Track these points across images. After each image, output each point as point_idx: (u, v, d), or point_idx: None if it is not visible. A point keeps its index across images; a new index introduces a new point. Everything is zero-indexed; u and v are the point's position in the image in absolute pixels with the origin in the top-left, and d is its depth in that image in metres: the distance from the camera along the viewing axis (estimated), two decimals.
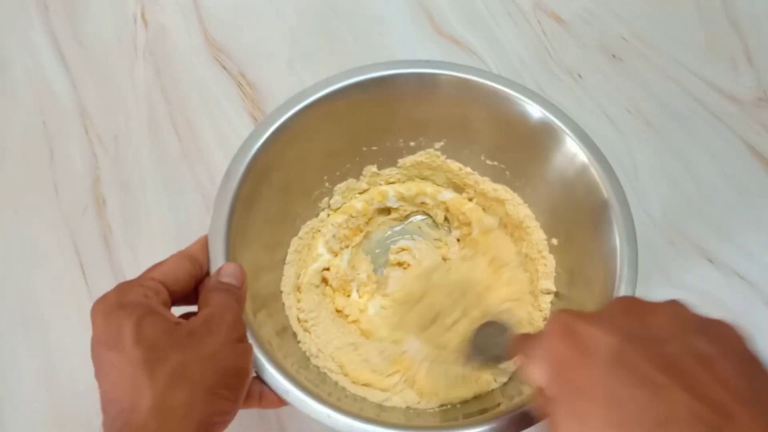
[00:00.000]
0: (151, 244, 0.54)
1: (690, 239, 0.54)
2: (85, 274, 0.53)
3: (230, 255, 0.39)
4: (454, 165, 0.50)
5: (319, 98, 0.44)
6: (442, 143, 0.50)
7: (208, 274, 0.38)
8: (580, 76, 0.62)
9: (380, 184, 0.52)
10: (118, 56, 0.64)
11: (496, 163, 0.49)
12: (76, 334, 0.51)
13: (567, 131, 0.43)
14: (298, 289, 0.48)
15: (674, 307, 0.27)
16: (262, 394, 0.37)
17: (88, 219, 0.55)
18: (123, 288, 0.34)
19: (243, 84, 0.62)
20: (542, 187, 0.47)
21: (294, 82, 0.62)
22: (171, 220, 0.55)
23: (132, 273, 0.52)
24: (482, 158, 0.49)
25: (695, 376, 0.23)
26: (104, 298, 0.34)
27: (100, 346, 0.33)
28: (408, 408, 0.42)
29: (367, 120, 0.47)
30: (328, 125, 0.45)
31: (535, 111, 0.44)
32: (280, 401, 0.36)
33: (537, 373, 0.28)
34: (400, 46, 0.64)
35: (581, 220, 0.43)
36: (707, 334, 0.25)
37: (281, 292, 0.46)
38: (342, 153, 0.49)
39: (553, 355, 0.27)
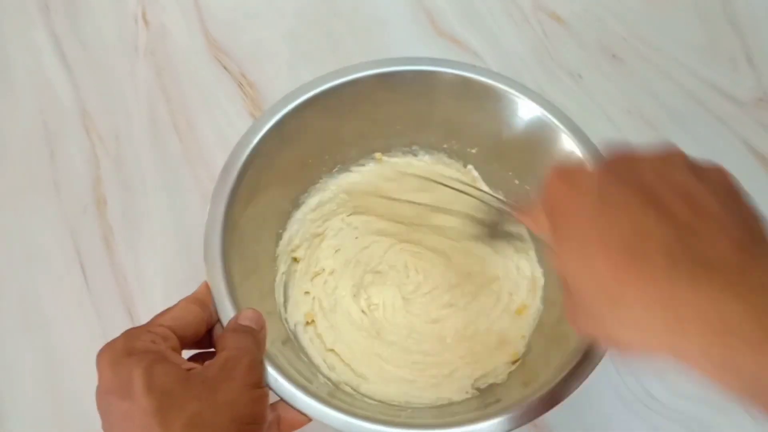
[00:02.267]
0: (152, 244, 0.54)
1: None
2: (86, 274, 0.53)
3: (226, 252, 0.39)
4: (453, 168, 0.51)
5: (315, 95, 0.44)
6: (446, 146, 0.50)
7: (219, 320, 0.38)
8: (580, 76, 0.62)
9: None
10: (119, 56, 0.64)
11: (496, 165, 0.49)
12: (76, 334, 0.51)
13: (563, 128, 0.43)
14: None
15: (667, 153, 0.29)
16: (279, 420, 0.36)
17: (88, 219, 0.55)
18: (131, 334, 0.33)
19: (244, 84, 0.62)
20: (539, 186, 0.46)
21: (294, 81, 0.60)
22: (171, 220, 0.55)
23: (132, 273, 0.53)
24: (479, 158, 0.50)
25: (669, 201, 0.26)
26: (111, 345, 0.33)
27: (108, 396, 0.31)
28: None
29: (365, 116, 0.47)
30: (323, 122, 0.45)
31: (531, 108, 0.44)
32: (299, 422, 0.36)
33: (542, 214, 0.31)
34: (401, 46, 0.64)
35: None
36: (692, 170, 0.28)
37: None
38: (340, 148, 0.49)
39: (551, 194, 0.31)
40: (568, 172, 0.31)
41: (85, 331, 0.51)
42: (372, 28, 0.65)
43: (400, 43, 0.64)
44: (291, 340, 0.45)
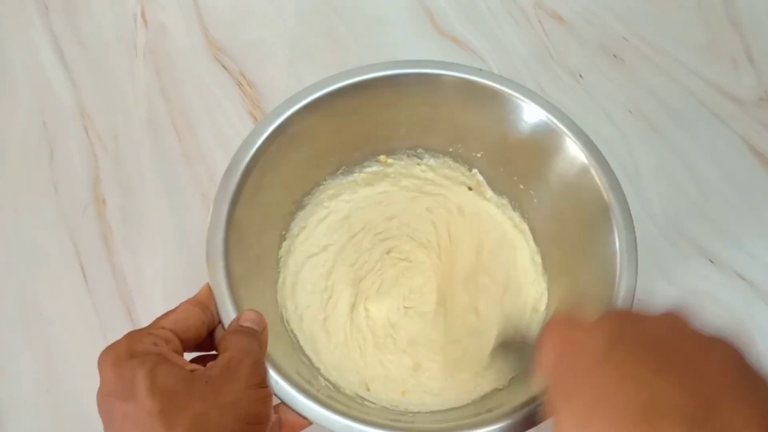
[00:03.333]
0: (151, 244, 0.54)
1: (691, 239, 0.54)
2: (85, 274, 0.53)
3: (228, 254, 0.39)
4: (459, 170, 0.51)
5: (320, 97, 0.44)
6: (451, 149, 0.50)
7: (220, 322, 0.38)
8: (581, 76, 0.62)
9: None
10: (118, 56, 0.64)
11: (501, 169, 0.49)
12: (76, 334, 0.51)
13: (567, 133, 0.43)
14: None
15: (671, 319, 0.28)
16: (280, 424, 0.36)
17: (87, 219, 0.55)
18: (133, 337, 0.33)
19: (243, 83, 0.62)
20: (544, 191, 0.46)
21: (294, 81, 0.61)
22: (171, 220, 0.55)
23: (132, 273, 0.53)
24: (484, 162, 0.49)
25: (681, 372, 0.24)
26: (113, 347, 0.33)
27: (110, 398, 0.31)
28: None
29: (369, 119, 0.47)
30: (328, 124, 0.45)
31: (536, 112, 0.44)
32: (300, 425, 0.36)
33: (539, 376, 0.30)
34: (401, 45, 0.64)
35: (581, 224, 0.43)
36: (699, 338, 0.26)
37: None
38: (344, 151, 0.49)
39: (548, 357, 0.30)
40: (566, 335, 0.29)
41: (84, 331, 0.51)
42: (372, 27, 0.65)
43: (401, 42, 0.64)
44: (292, 342, 0.44)
